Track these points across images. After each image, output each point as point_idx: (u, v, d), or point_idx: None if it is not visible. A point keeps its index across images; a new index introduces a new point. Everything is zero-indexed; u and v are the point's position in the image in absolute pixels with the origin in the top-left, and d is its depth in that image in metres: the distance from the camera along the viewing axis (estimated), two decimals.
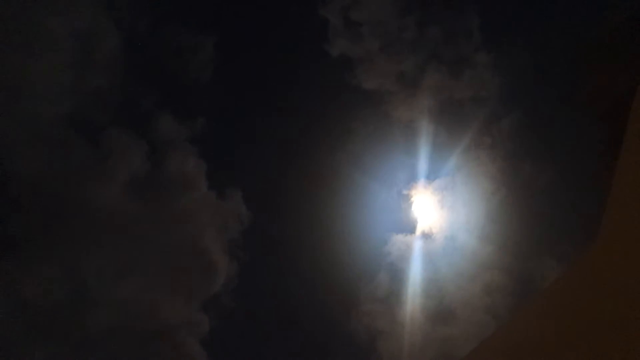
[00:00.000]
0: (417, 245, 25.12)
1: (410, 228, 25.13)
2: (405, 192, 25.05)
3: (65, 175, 24.14)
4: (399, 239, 25.21)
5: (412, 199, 25.05)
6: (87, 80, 24.17)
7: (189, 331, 24.51)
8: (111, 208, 24.15)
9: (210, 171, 25.29)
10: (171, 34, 25.32)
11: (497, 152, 24.41)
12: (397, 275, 25.10)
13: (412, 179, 24.84)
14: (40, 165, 23.62)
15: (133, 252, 24.67)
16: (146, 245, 24.64)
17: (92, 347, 23.27)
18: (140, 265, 24.77)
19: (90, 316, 23.66)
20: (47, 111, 23.72)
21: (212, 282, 25.09)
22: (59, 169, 24.12)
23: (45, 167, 23.80)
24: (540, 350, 4.97)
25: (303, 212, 24.52)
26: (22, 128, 23.27)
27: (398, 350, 25.22)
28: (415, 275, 25.10)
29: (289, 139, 24.76)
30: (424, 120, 24.95)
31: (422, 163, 24.60)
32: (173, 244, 24.87)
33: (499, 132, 24.32)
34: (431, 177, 24.68)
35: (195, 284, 25.19)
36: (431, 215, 25.14)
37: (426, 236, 25.12)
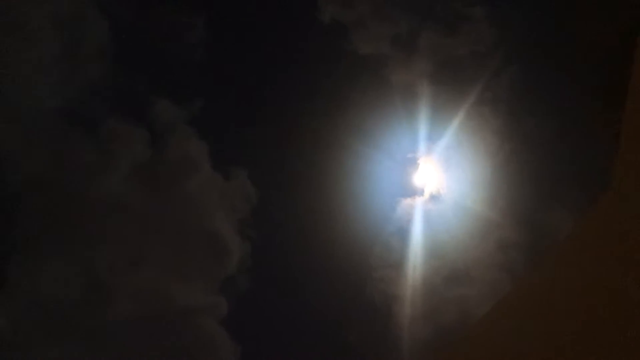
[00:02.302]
0: (426, 208, 25.05)
1: (417, 191, 25.01)
2: (410, 155, 24.82)
3: (67, 170, 24.07)
4: (407, 203, 25.13)
5: (417, 162, 24.85)
6: (78, 71, 23.86)
7: (207, 314, 24.76)
8: (117, 199, 24.13)
9: (213, 152, 25.14)
10: (159, 16, 24.83)
11: (499, 107, 24.03)
12: (408, 239, 25.09)
13: (416, 142, 24.56)
14: (40, 163, 23.53)
15: (144, 240, 24.77)
16: (156, 233, 24.72)
17: (112, 338, 23.52)
18: (152, 253, 24.90)
19: (108, 308, 23.84)
20: (42, 107, 23.48)
21: (225, 264, 25.24)
22: (60, 165, 24.02)
23: (46, 164, 23.71)
24: (559, 303, 4.83)
25: (310, 185, 24.42)
26: (18, 126, 23.08)
27: (415, 313, 25.38)
28: (426, 237, 25.10)
29: (288, 112, 24.49)
30: (423, 81, 24.57)
31: (425, 125, 24.28)
32: (183, 228, 24.93)
33: (499, 87, 23.90)
34: (435, 138, 24.38)
35: (209, 266, 25.34)
36: (438, 176, 24.98)
37: (434, 198, 25.02)
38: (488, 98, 24.10)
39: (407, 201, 25.12)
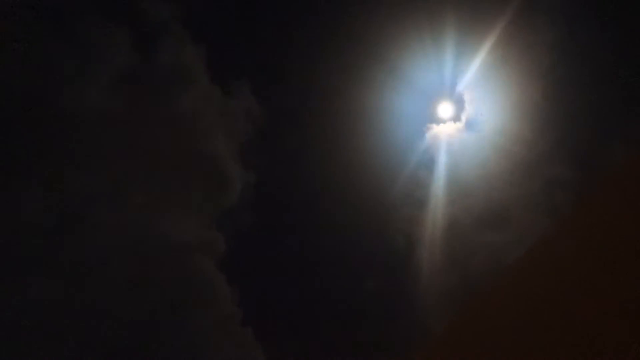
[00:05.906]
0: (461, 137, 21.43)
1: (454, 117, 21.21)
2: (449, 75, 20.93)
3: (43, 78, 20.50)
4: (440, 130, 21.47)
5: (456, 81, 21.00)
6: None
7: (202, 251, 21.45)
8: (100, 112, 20.48)
9: (211, 60, 21.08)
10: None
11: (553, 17, 20.25)
12: (437, 172, 21.57)
13: (457, 60, 20.61)
14: (13, 67, 19.99)
15: (129, 164, 21.29)
16: (145, 155, 21.17)
17: (92, 273, 20.42)
18: (138, 179, 21.47)
19: (89, 240, 20.67)
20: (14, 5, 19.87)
21: (224, 195, 21.77)
22: (35, 71, 20.46)
23: (20, 69, 20.18)
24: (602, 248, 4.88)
25: (327, 106, 20.61)
26: None
27: (441, 259, 22.16)
28: (459, 171, 21.60)
29: (304, 15, 20.49)
30: None
31: (465, 39, 20.45)
32: (175, 151, 21.33)
33: None
34: (476, 54, 20.49)
35: (205, 197, 21.91)
36: (479, 100, 21.21)
37: (471, 125, 21.33)
38: (541, 8, 20.32)
39: (440, 128, 21.44)
